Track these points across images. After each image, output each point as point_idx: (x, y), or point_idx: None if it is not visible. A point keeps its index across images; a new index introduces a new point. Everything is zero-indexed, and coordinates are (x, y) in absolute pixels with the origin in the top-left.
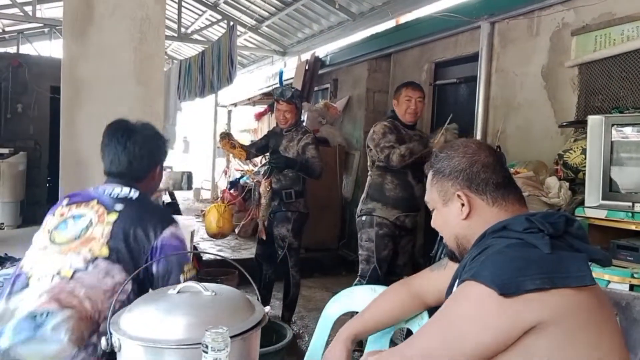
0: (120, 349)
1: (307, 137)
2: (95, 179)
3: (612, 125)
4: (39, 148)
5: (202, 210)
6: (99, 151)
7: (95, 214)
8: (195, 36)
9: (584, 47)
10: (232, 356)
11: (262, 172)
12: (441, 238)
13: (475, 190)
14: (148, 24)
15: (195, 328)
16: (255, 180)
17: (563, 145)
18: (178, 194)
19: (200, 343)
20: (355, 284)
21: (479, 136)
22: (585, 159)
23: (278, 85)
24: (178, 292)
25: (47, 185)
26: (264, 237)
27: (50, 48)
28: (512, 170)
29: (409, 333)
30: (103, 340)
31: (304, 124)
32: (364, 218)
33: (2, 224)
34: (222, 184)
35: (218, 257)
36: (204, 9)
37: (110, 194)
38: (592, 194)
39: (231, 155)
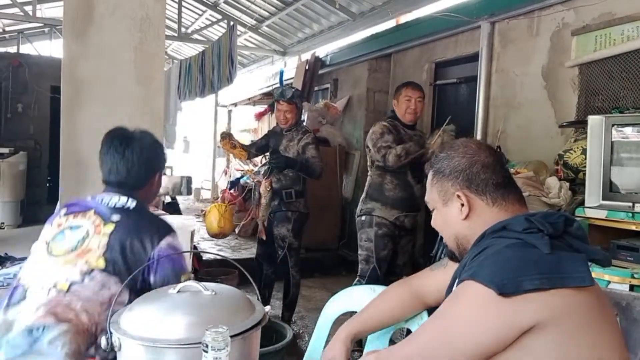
0: (120, 349)
1: (307, 136)
2: (95, 179)
3: (613, 125)
4: (39, 148)
5: (202, 210)
6: (99, 151)
7: (92, 224)
8: (196, 36)
9: (584, 47)
10: (232, 356)
11: (262, 172)
12: (441, 238)
13: (475, 191)
14: (148, 24)
15: (195, 327)
16: (255, 180)
17: (563, 146)
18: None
19: (200, 342)
20: (355, 284)
21: (479, 136)
22: (585, 159)
23: (278, 85)
24: (178, 291)
25: (47, 185)
26: (264, 238)
27: (51, 48)
28: (512, 170)
29: (409, 333)
30: (103, 340)
31: (304, 123)
32: (363, 218)
33: (3, 223)
34: (222, 183)
35: (218, 257)
36: (204, 8)
37: (107, 204)
38: (593, 194)
39: (231, 155)
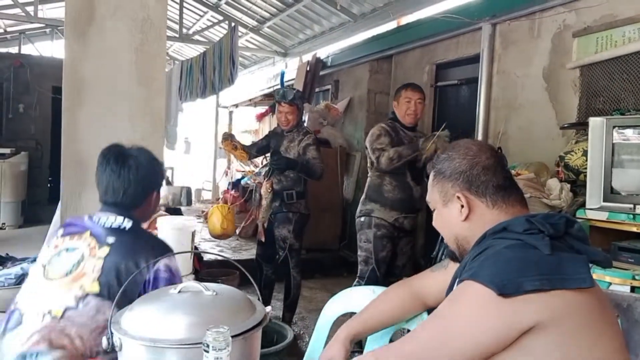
0: (121, 349)
1: (308, 137)
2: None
3: (614, 127)
4: (41, 148)
5: (203, 211)
6: (100, 151)
7: (88, 247)
8: (197, 37)
9: (585, 48)
10: (233, 356)
11: (262, 173)
12: (442, 239)
13: (475, 192)
14: (149, 25)
15: (196, 327)
16: (256, 181)
17: (564, 147)
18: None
19: (201, 342)
20: (354, 285)
21: (480, 138)
22: (586, 160)
23: (279, 86)
24: (179, 291)
25: (49, 185)
26: (263, 239)
27: (52, 48)
28: (513, 171)
29: None
30: (104, 340)
31: (305, 124)
32: (362, 219)
33: (4, 224)
34: (223, 184)
35: (219, 258)
36: (205, 9)
37: (103, 224)
38: (594, 195)
39: (233, 156)
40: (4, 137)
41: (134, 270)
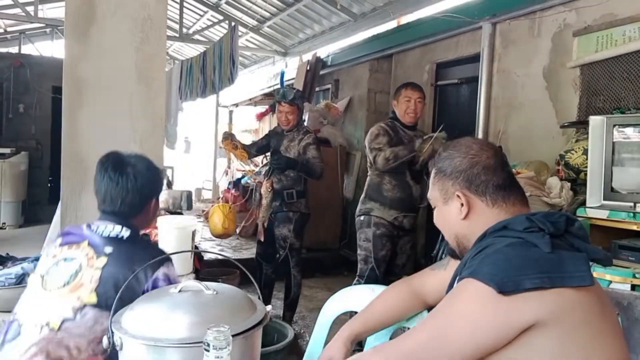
0: (122, 348)
1: (308, 137)
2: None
3: (614, 125)
4: (41, 148)
5: (203, 210)
6: (100, 151)
7: (85, 257)
8: (197, 36)
9: (586, 47)
10: (233, 355)
11: (263, 173)
12: (442, 238)
13: (474, 192)
14: (150, 24)
15: (197, 327)
16: (256, 181)
17: (564, 146)
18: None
19: (202, 341)
20: (354, 284)
21: (480, 136)
22: (586, 159)
23: (279, 85)
24: (180, 291)
25: (49, 185)
26: (262, 239)
27: (52, 48)
28: (513, 170)
29: None
30: (105, 339)
31: (305, 124)
32: (362, 218)
33: (4, 223)
34: (224, 184)
35: (219, 257)
36: (205, 9)
37: (101, 233)
38: (594, 194)
39: (233, 155)
40: (4, 137)
41: (132, 280)
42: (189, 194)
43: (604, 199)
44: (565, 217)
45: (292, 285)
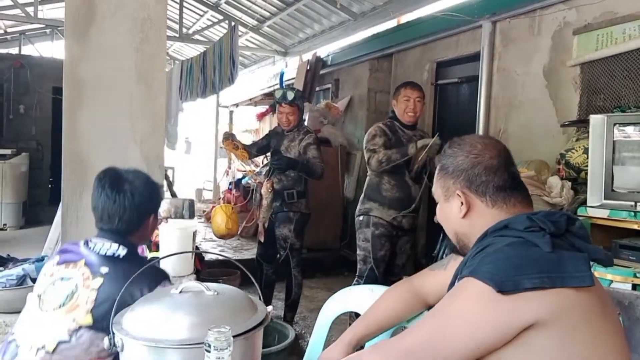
0: (123, 349)
1: (308, 137)
2: None
3: (614, 124)
4: (41, 149)
5: (204, 211)
6: (101, 151)
7: (81, 277)
8: (197, 36)
9: (586, 46)
10: (234, 356)
11: (263, 173)
12: (443, 238)
13: (475, 191)
14: (150, 25)
15: (197, 327)
16: (257, 181)
17: (565, 145)
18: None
19: (203, 342)
20: (353, 284)
21: None
22: (587, 158)
23: (279, 85)
24: (180, 292)
25: (50, 186)
26: (262, 240)
27: (52, 49)
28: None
29: None
30: (106, 340)
31: (306, 123)
32: (361, 218)
33: (5, 224)
34: (224, 184)
35: (220, 258)
36: (205, 9)
37: (98, 251)
38: (595, 193)
39: (234, 155)
40: (4, 138)
41: (129, 300)
42: (191, 203)
43: (605, 198)
44: (566, 216)
45: (292, 286)
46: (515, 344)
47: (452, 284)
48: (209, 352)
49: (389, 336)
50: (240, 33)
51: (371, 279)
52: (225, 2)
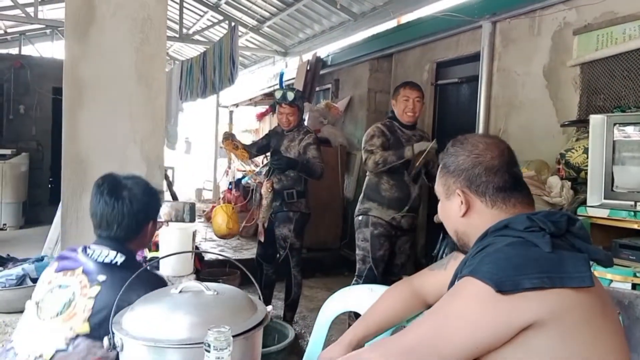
0: (123, 349)
1: (308, 137)
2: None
3: (614, 124)
4: (41, 149)
5: (204, 211)
6: (101, 151)
7: (79, 285)
8: (197, 37)
9: (586, 46)
10: (234, 355)
11: (263, 173)
12: (443, 237)
13: (474, 191)
14: (150, 25)
15: (197, 327)
16: (257, 181)
17: (565, 145)
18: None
19: (202, 342)
20: (353, 284)
21: None
22: (587, 158)
23: (279, 86)
24: (180, 291)
25: (50, 186)
26: (262, 239)
27: (52, 49)
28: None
29: None
30: (105, 340)
31: (306, 124)
32: (360, 218)
33: (5, 224)
34: (224, 184)
35: (220, 257)
36: (205, 9)
37: (96, 259)
38: (594, 193)
39: (234, 155)
40: (4, 138)
41: (125, 306)
42: (191, 206)
43: (605, 198)
44: (566, 216)
45: (292, 286)
46: (514, 343)
47: (452, 284)
48: (208, 352)
49: (388, 334)
50: (240, 33)
51: (370, 279)
52: (225, 3)
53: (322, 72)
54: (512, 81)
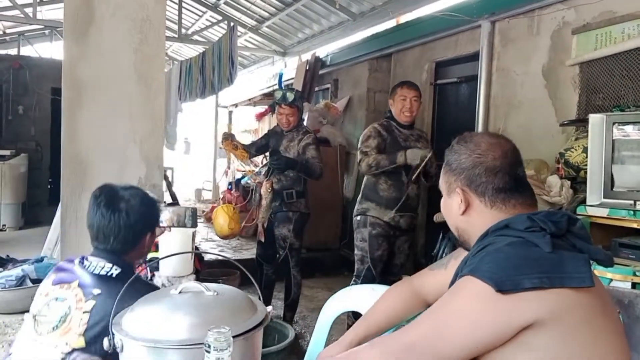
0: (123, 350)
1: (307, 137)
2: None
3: (614, 123)
4: (40, 149)
5: (203, 211)
6: (100, 152)
7: (75, 298)
8: (196, 37)
9: (585, 45)
10: (234, 356)
11: (262, 173)
12: (442, 237)
13: (474, 191)
14: (149, 25)
15: (197, 328)
16: (256, 181)
17: (564, 144)
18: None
19: (202, 343)
20: (351, 284)
21: None
22: (586, 157)
23: (277, 86)
24: (180, 292)
25: (49, 186)
26: (262, 239)
27: (51, 49)
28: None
29: None
30: (105, 341)
31: (305, 124)
32: (358, 218)
33: (4, 225)
34: (223, 184)
35: (220, 258)
36: (204, 9)
37: (92, 271)
38: (594, 192)
39: (233, 155)
40: (3, 139)
41: None
42: (193, 211)
43: (604, 197)
44: (567, 216)
45: (292, 286)
46: (514, 343)
47: (452, 283)
48: (208, 352)
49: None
50: (239, 33)
51: (368, 279)
52: (224, 3)
53: (321, 72)
54: (511, 81)
